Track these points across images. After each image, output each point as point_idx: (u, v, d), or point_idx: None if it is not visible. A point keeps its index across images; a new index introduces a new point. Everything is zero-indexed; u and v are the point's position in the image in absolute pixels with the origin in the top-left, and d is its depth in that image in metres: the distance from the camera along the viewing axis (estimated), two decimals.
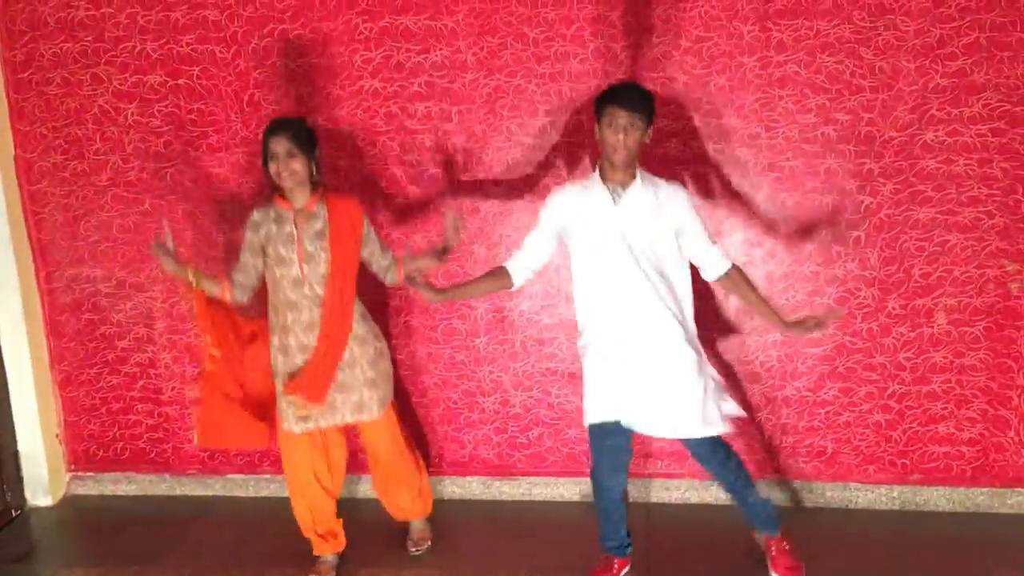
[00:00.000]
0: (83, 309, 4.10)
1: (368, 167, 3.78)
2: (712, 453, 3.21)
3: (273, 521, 3.91)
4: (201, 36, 3.76)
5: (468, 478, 4.08)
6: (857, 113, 3.52)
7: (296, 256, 3.24)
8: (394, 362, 3.94)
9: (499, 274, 3.22)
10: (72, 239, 4.02)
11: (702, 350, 3.21)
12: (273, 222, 3.28)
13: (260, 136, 3.76)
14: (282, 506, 3.69)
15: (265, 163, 3.24)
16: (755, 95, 3.55)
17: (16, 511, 4.12)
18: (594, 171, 3.12)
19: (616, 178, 3.07)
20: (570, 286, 3.78)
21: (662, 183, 3.12)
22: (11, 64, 3.88)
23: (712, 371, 3.24)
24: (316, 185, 3.30)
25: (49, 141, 3.94)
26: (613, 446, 3.20)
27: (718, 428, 3.16)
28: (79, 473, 4.31)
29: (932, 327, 3.67)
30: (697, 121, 3.59)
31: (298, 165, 3.19)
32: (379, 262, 3.42)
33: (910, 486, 3.84)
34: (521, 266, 3.21)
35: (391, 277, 3.46)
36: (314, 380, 3.29)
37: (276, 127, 3.23)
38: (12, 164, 3.95)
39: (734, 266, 3.17)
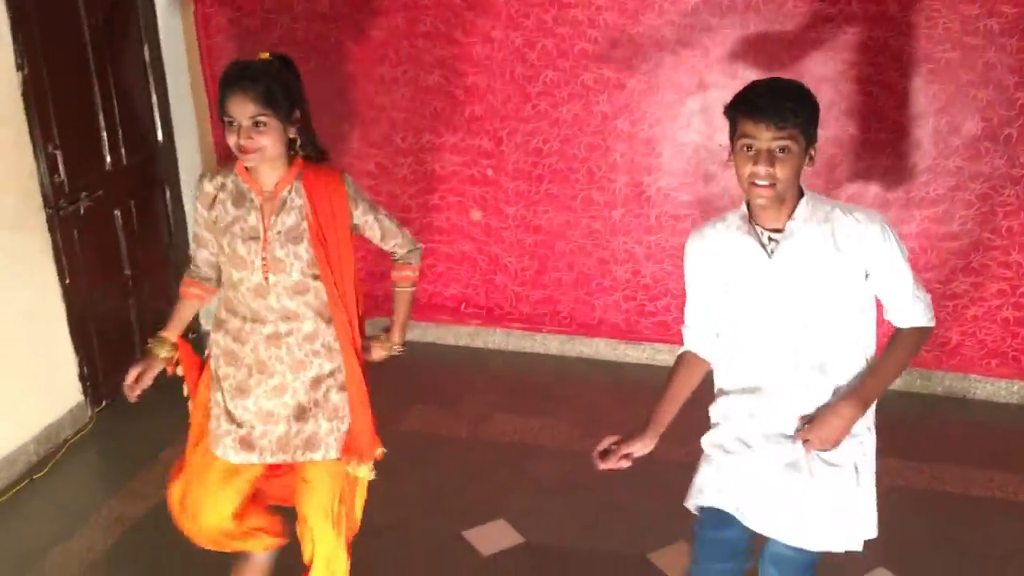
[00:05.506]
0: None
1: (521, 39, 3.89)
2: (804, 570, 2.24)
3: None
4: None
5: (596, 339, 4.35)
6: None
7: (260, 261, 2.24)
8: (535, 228, 4.17)
9: (691, 364, 2.23)
10: None
11: (872, 442, 2.17)
12: (232, 202, 2.27)
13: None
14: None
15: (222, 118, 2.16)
16: None
17: None
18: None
19: (769, 218, 2.05)
20: (709, 164, 3.90)
21: (840, 214, 2.02)
22: None
23: (871, 476, 2.19)
24: (294, 157, 2.27)
25: None
26: (718, 539, 2.26)
27: (854, 544, 2.18)
28: None
29: None
30: (855, 7, 3.55)
31: (268, 139, 2.15)
32: (388, 246, 2.45)
33: None
34: (701, 343, 2.21)
35: (414, 261, 2.49)
36: (361, 430, 2.39)
37: (233, 79, 2.14)
38: (192, 18, 4.23)
39: (927, 328, 2.14)
